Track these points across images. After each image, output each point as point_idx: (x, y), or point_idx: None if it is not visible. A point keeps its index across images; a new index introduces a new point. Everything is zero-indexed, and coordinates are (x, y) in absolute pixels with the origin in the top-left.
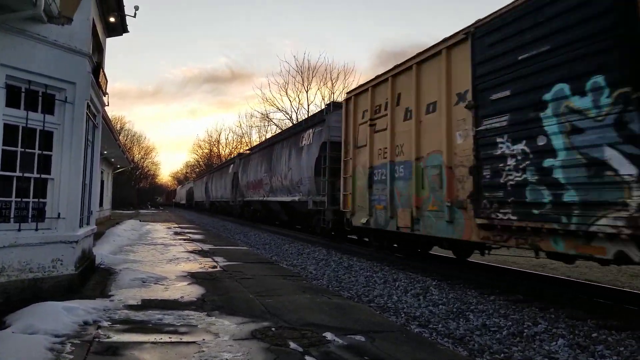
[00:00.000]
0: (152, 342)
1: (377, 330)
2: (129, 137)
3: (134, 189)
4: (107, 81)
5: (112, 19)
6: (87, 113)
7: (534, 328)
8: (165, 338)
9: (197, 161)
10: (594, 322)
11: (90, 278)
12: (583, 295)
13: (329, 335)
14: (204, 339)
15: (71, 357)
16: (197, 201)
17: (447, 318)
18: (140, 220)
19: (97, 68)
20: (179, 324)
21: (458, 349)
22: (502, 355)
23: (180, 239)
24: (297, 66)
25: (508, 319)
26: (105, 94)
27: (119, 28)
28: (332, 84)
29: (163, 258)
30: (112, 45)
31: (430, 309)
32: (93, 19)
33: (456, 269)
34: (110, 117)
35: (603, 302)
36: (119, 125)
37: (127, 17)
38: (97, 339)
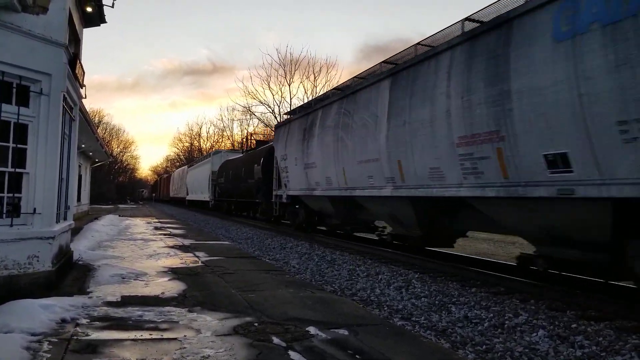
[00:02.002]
0: (132, 340)
1: (361, 324)
2: (108, 130)
3: (113, 183)
4: (84, 73)
5: (89, 9)
6: (63, 105)
7: (515, 319)
8: (145, 335)
9: (178, 155)
10: (573, 313)
11: (68, 274)
12: (562, 287)
13: (312, 330)
14: (185, 336)
15: (48, 355)
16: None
17: (430, 311)
18: (119, 215)
19: (74, 59)
20: (159, 321)
21: (440, 341)
22: (484, 346)
23: (160, 234)
24: (279, 59)
25: (489, 310)
26: (82, 86)
27: (96, 18)
28: (315, 78)
29: (143, 253)
30: (89, 36)
31: (412, 302)
32: (69, 9)
33: (438, 262)
34: (88, 110)
35: (581, 292)
36: (97, 118)
37: (104, 7)
38: (75, 337)
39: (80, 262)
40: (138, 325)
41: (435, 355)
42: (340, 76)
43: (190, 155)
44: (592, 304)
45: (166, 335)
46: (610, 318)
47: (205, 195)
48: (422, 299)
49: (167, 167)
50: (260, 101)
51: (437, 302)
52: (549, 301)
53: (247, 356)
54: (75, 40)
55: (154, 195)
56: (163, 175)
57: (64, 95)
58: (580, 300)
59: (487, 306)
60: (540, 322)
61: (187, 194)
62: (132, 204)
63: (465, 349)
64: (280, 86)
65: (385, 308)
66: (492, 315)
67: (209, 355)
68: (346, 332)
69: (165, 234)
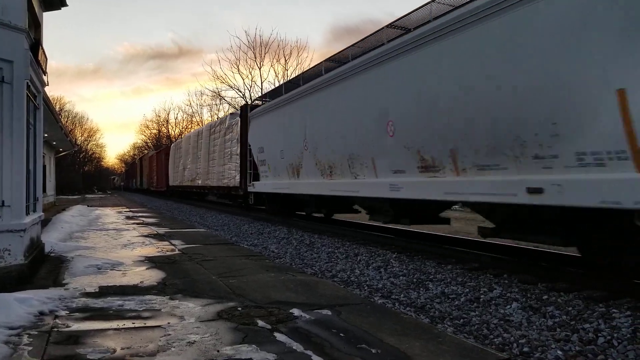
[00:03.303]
0: (115, 329)
1: (342, 304)
2: (70, 118)
3: (79, 173)
4: (46, 59)
5: None
6: (27, 93)
7: (489, 294)
8: (128, 324)
9: (145, 142)
10: (544, 285)
11: (41, 267)
12: (533, 261)
13: (295, 312)
14: (169, 323)
15: (30, 349)
16: None
17: (408, 288)
18: (88, 206)
19: (36, 45)
20: (141, 309)
21: (420, 317)
22: (462, 320)
23: (133, 223)
24: (248, 42)
25: (465, 286)
26: (45, 72)
27: (57, 2)
28: (286, 61)
29: (117, 243)
30: (47, 19)
31: (391, 281)
32: None
33: (414, 242)
34: (49, 97)
35: (553, 266)
36: (58, 106)
37: None
38: (55, 329)
39: (52, 254)
40: (119, 314)
41: (416, 330)
42: (312, 59)
43: (159, 142)
44: (561, 277)
45: (149, 323)
46: (578, 289)
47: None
48: (401, 277)
49: (134, 155)
50: (230, 85)
51: (415, 280)
52: (521, 275)
53: (233, 340)
54: (35, 25)
55: (122, 185)
56: (146, 154)
57: (27, 83)
58: (550, 273)
59: (462, 282)
60: (514, 295)
61: (267, 176)
62: (99, 193)
63: (444, 323)
64: (250, 70)
65: (366, 288)
66: (467, 290)
67: (194, 341)
68: (329, 313)
69: (138, 223)
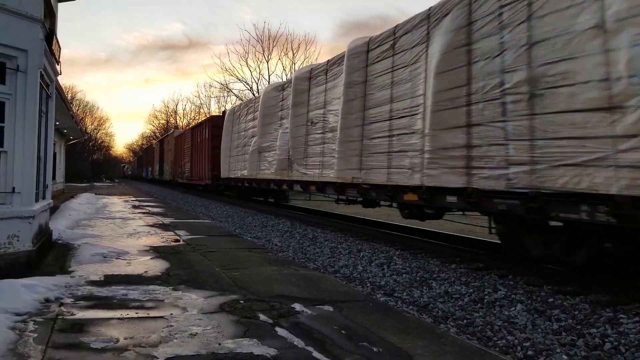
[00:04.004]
0: (119, 318)
1: (344, 300)
2: (81, 107)
3: (88, 161)
4: (60, 49)
5: None
6: (40, 82)
7: (494, 295)
8: (132, 314)
9: (153, 132)
10: (550, 287)
11: (49, 254)
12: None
13: (297, 306)
14: (171, 314)
15: (35, 335)
16: None
17: (411, 286)
18: (96, 194)
19: (50, 35)
20: (145, 299)
21: (423, 316)
22: (465, 321)
23: (139, 213)
24: (257, 35)
25: (469, 286)
26: (58, 62)
27: None
28: (293, 55)
29: (123, 232)
30: (61, 9)
31: (394, 278)
32: None
33: (418, 239)
34: (61, 86)
35: (559, 269)
36: (70, 95)
37: None
38: (60, 316)
39: (60, 242)
40: (123, 304)
41: (418, 330)
42: (319, 53)
43: (167, 133)
44: (568, 279)
45: (152, 313)
46: (585, 293)
47: None
48: (404, 275)
49: (142, 144)
50: (238, 78)
51: (418, 278)
52: (526, 276)
53: (234, 333)
54: (50, 15)
55: (130, 174)
56: (171, 133)
57: (40, 72)
58: (557, 276)
59: (467, 282)
60: (519, 296)
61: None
62: (108, 182)
63: (447, 323)
64: (258, 63)
65: (368, 284)
66: (472, 290)
67: (196, 333)
68: (331, 309)
69: (144, 213)
